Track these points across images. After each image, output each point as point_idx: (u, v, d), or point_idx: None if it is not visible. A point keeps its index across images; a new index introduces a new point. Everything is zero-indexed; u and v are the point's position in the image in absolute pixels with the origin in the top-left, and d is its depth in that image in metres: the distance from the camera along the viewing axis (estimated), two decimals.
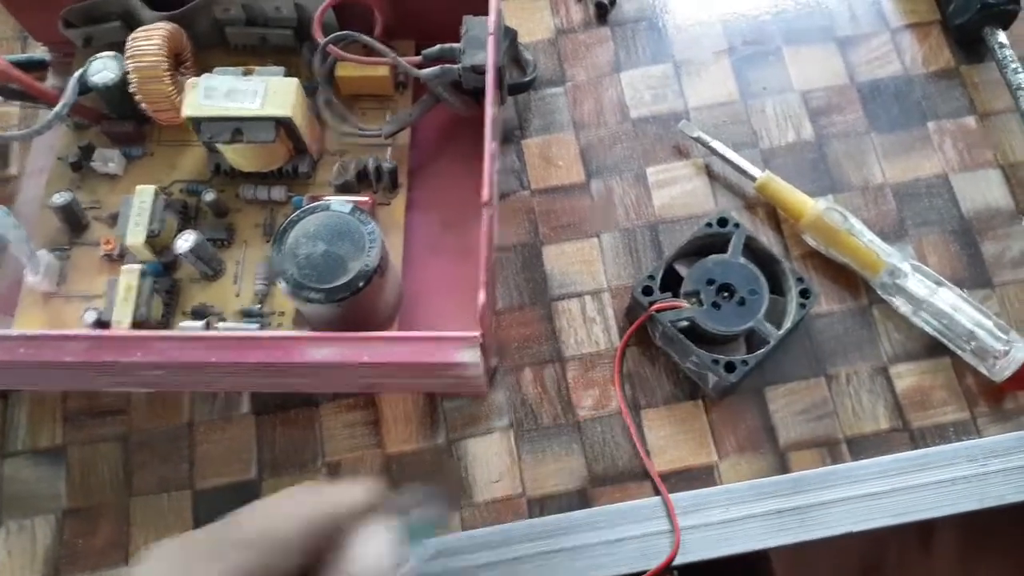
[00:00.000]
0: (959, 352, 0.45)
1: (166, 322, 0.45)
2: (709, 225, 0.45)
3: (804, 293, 0.44)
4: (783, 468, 0.44)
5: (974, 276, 0.47)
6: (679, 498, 0.43)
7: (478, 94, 0.45)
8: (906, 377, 0.45)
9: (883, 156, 0.50)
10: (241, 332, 0.38)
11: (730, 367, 0.42)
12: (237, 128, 0.43)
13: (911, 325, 0.46)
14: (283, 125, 0.44)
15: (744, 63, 0.53)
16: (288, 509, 0.26)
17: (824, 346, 0.46)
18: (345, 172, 0.46)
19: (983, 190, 0.49)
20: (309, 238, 0.39)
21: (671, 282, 0.45)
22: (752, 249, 0.45)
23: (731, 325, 0.43)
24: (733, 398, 0.45)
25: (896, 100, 0.51)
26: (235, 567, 0.24)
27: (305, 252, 0.39)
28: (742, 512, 0.43)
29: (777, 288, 0.45)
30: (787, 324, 0.43)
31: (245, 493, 0.44)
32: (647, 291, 0.44)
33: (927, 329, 0.45)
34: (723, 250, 0.45)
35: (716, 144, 0.49)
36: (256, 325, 0.44)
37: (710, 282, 0.44)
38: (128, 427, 0.45)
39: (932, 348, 0.46)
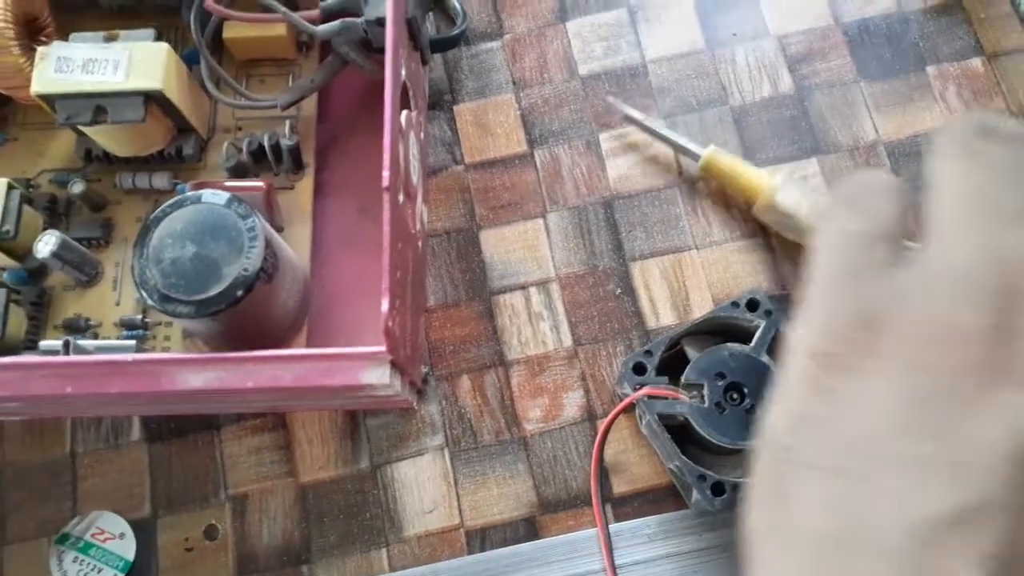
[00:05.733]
0: None
1: (34, 340, 0.38)
2: (735, 305, 0.36)
3: None
4: None
5: None
6: (649, 523, 0.37)
7: None
8: None
9: (875, 109, 0.43)
10: (100, 357, 0.31)
11: (718, 489, 0.33)
12: (99, 106, 0.36)
13: None
14: (154, 100, 0.36)
15: (710, 5, 0.45)
16: None
17: None
18: (237, 152, 0.39)
19: None
20: (176, 239, 0.32)
21: (671, 363, 0.36)
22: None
23: (731, 436, 0.34)
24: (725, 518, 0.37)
25: (888, 42, 0.44)
26: None
27: (171, 256, 0.32)
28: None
29: None
30: None
31: (138, 534, 0.38)
32: (639, 369, 0.35)
33: None
34: (744, 339, 0.36)
35: (649, 121, 0.41)
36: (134, 340, 0.37)
37: (719, 376, 0.34)
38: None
39: None
